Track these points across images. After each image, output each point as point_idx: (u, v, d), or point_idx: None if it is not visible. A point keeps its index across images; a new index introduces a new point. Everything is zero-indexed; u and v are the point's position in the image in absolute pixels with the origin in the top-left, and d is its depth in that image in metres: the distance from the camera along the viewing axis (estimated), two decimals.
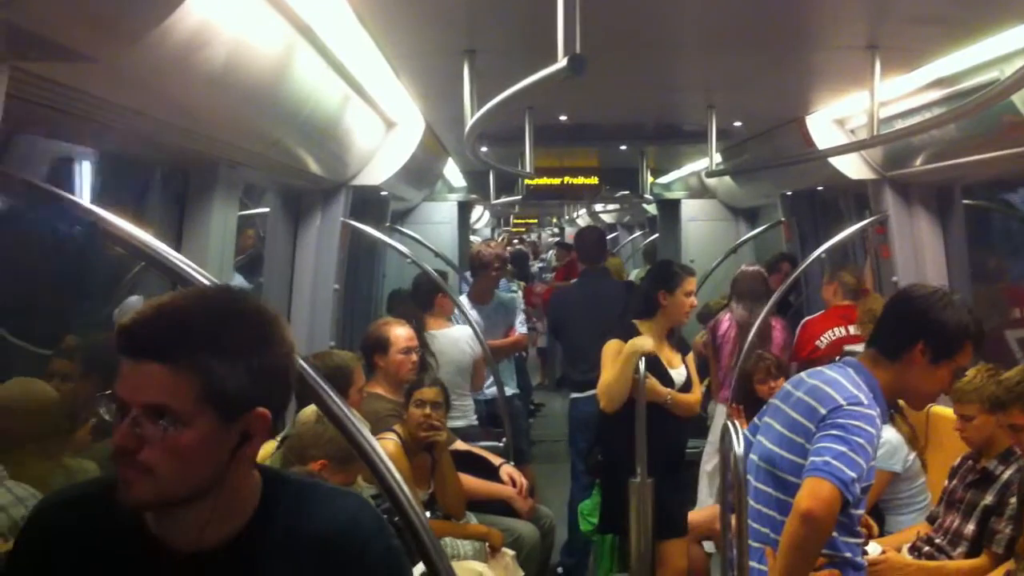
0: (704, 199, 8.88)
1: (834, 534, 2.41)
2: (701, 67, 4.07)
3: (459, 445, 4.47)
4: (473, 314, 5.35)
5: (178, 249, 3.24)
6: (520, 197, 8.15)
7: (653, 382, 4.00)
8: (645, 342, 3.96)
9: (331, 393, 1.93)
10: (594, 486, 4.53)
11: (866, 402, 2.42)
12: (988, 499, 3.28)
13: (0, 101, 1.75)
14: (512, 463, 4.63)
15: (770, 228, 7.36)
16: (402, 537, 1.72)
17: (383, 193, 5.59)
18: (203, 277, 1.90)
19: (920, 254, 4.73)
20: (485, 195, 8.32)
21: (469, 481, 4.23)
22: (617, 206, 12.99)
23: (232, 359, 1.37)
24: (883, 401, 2.49)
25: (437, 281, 5.30)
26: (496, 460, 4.56)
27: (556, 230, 22.92)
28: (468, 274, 6.79)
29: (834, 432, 2.36)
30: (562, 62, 1.90)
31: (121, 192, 4.49)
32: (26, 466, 2.80)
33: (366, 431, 1.95)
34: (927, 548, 3.45)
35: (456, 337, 5.23)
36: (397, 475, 1.90)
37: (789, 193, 6.52)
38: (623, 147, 7.26)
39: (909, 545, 3.53)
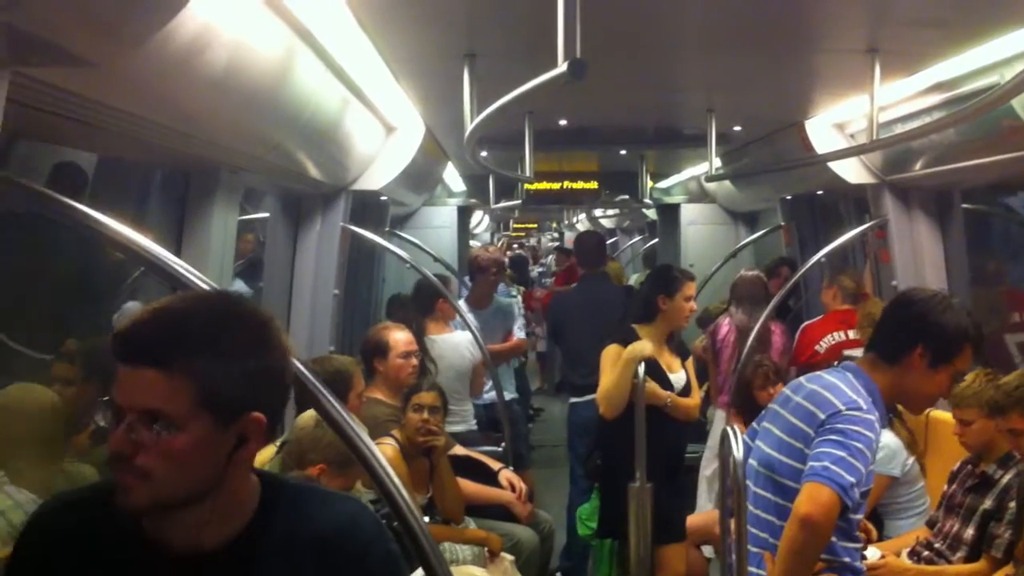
0: (704, 203, 8.89)
1: (833, 539, 2.41)
2: (701, 71, 4.07)
3: (458, 450, 4.46)
4: (471, 318, 5.35)
5: (178, 254, 3.23)
6: (520, 201, 8.16)
7: (653, 385, 4.00)
8: (644, 346, 3.96)
9: (330, 398, 1.93)
10: (592, 490, 4.52)
11: (865, 407, 2.42)
12: (987, 503, 3.28)
13: (0, 106, 1.75)
14: (511, 468, 4.63)
15: (770, 232, 7.36)
16: (401, 542, 1.72)
17: (383, 198, 5.59)
18: (203, 282, 1.89)
19: (920, 258, 4.74)
20: (485, 199, 8.34)
21: (468, 486, 4.22)
22: (617, 210, 12.99)
23: (227, 363, 1.37)
24: (882, 405, 2.49)
25: (438, 287, 5.30)
26: (495, 465, 4.56)
27: (556, 235, 22.92)
28: (467, 278, 6.79)
29: (833, 437, 2.36)
30: (562, 67, 1.90)
31: (121, 196, 4.50)
32: (26, 471, 2.79)
33: (365, 436, 1.94)
34: (927, 553, 3.45)
35: (456, 342, 5.23)
36: (396, 480, 1.89)
37: (789, 197, 6.52)
38: (623, 151, 7.26)
39: (908, 550, 3.53)
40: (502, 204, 8.36)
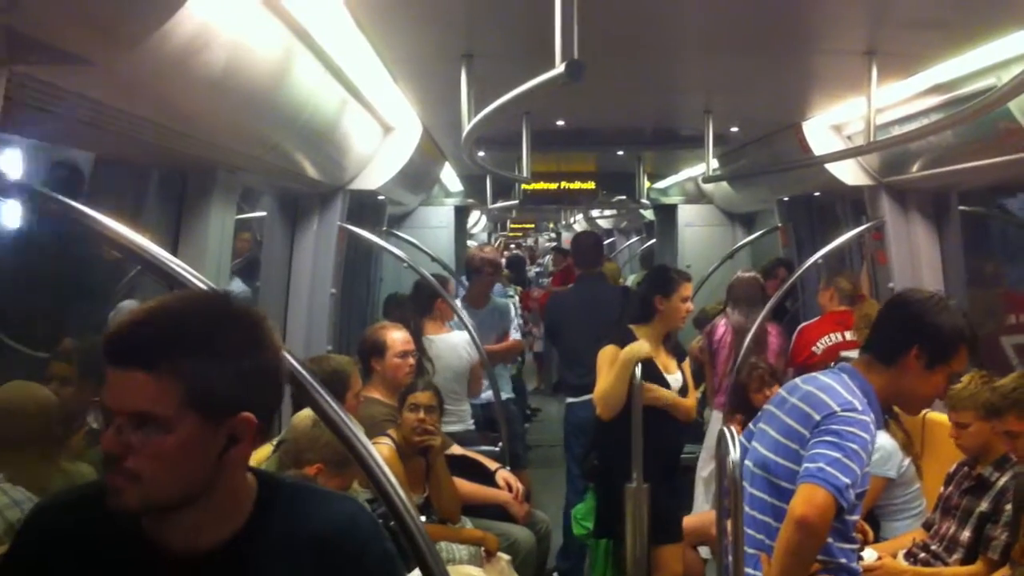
0: (701, 204, 8.89)
1: (829, 540, 2.41)
2: (698, 72, 4.08)
3: (455, 449, 4.46)
4: (468, 319, 5.35)
5: (175, 253, 3.23)
6: (517, 202, 8.16)
7: (654, 386, 4.01)
8: (641, 347, 3.97)
9: (327, 397, 1.93)
10: (588, 490, 4.52)
11: (860, 408, 2.43)
12: (984, 506, 3.28)
13: None
14: (508, 468, 4.63)
15: (767, 234, 7.36)
16: (398, 541, 1.72)
17: (380, 197, 5.59)
18: (200, 281, 1.89)
19: (916, 260, 4.74)
20: (482, 200, 8.34)
21: (465, 485, 4.22)
22: (614, 211, 13.00)
23: (216, 363, 1.37)
24: (878, 407, 2.50)
25: (436, 287, 5.30)
26: (492, 465, 4.56)
27: (553, 235, 22.92)
28: (464, 278, 6.79)
29: (828, 438, 2.37)
30: (560, 68, 1.90)
31: (118, 196, 4.49)
32: (23, 470, 2.80)
33: (362, 435, 1.94)
34: (923, 555, 3.46)
35: (454, 343, 5.23)
36: (393, 479, 1.89)
37: (786, 198, 6.52)
38: (620, 152, 7.26)
39: (905, 551, 3.53)
40: (499, 204, 8.36)
